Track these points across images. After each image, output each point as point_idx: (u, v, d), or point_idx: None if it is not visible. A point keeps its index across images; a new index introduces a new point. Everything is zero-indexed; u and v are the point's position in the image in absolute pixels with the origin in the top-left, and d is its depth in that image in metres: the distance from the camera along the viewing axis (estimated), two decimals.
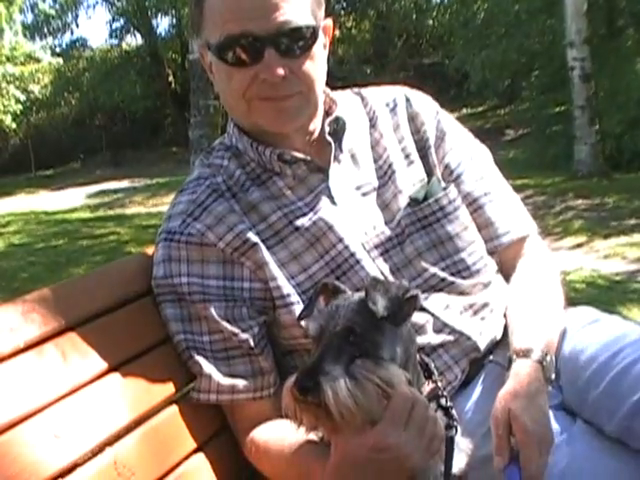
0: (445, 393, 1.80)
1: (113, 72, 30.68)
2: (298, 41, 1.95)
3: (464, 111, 22.71)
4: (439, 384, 1.81)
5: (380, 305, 1.59)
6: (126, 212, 17.42)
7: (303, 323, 1.76)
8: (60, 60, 29.47)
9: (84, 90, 31.63)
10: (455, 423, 1.76)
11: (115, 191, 21.44)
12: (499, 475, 1.80)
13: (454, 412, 1.78)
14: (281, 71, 1.93)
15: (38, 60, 28.23)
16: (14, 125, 28.55)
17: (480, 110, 24.08)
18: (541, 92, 18.61)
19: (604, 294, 6.94)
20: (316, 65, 2.01)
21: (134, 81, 30.11)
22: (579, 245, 9.36)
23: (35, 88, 29.26)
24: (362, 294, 1.66)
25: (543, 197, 12.50)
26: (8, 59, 27.08)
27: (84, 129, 30.33)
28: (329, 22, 2.08)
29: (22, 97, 27.59)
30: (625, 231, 9.77)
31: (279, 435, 1.93)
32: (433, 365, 1.92)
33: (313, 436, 1.78)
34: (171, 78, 30.81)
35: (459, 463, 1.78)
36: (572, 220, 11.01)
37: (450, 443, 1.74)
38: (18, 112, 28.21)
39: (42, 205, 20.29)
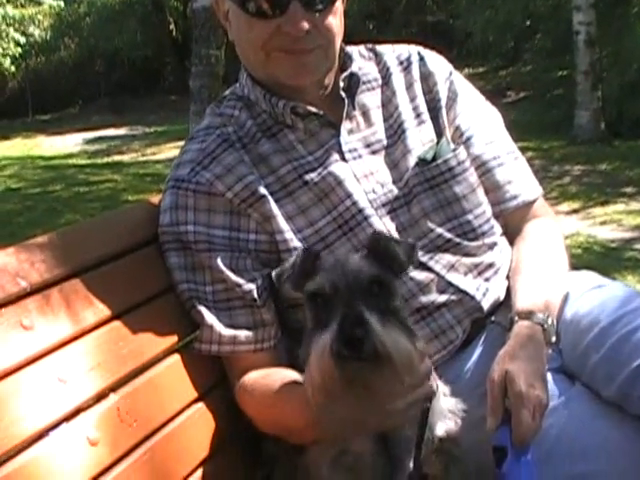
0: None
1: (114, 18, 30.36)
2: None
3: (466, 71, 22.52)
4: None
5: (402, 255, 1.60)
6: (123, 159, 17.31)
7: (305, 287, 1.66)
8: (61, 3, 29.16)
9: (84, 35, 31.33)
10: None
11: (113, 138, 21.29)
12: (490, 435, 1.83)
13: (434, 380, 1.77)
14: (305, 25, 1.92)
15: (39, 3, 27.92)
16: (13, 68, 28.33)
17: (482, 71, 23.92)
18: (544, 55, 18.49)
19: (600, 260, 6.95)
20: (337, 19, 2.01)
21: (135, 28, 29.81)
22: (576, 211, 9.33)
23: (35, 31, 28.98)
24: (357, 254, 1.66)
25: (542, 161, 12.45)
26: (8, 1, 26.81)
27: (83, 74, 30.05)
28: None
29: (22, 40, 27.34)
30: (622, 198, 9.75)
31: (265, 374, 1.95)
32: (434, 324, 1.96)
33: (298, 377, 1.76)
34: (172, 26, 30.51)
35: (445, 427, 1.79)
36: (570, 185, 10.98)
37: (425, 411, 1.73)
38: (17, 55, 27.98)
39: (39, 150, 20.20)
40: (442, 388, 1.84)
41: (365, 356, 1.47)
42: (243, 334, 2.00)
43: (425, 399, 1.72)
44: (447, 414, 1.82)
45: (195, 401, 2.01)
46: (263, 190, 2.01)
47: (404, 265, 1.63)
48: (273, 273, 1.77)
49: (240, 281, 1.99)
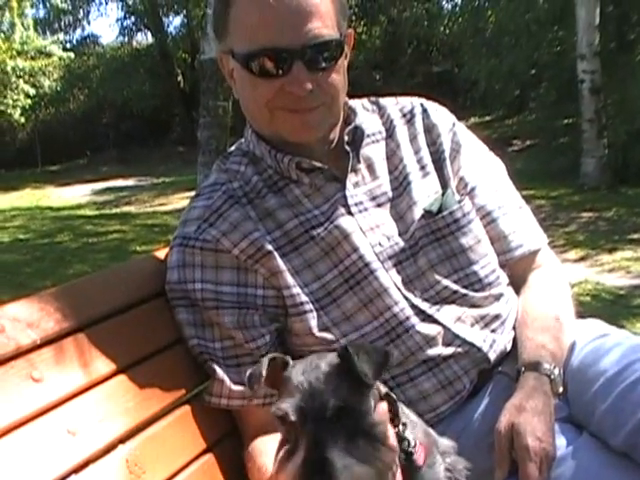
0: (407, 436, 1.70)
1: (122, 69, 30.68)
2: (325, 55, 1.96)
3: (472, 120, 22.65)
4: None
5: (370, 374, 1.53)
6: (131, 210, 17.40)
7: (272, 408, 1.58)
8: (71, 55, 29.44)
9: (93, 87, 31.65)
10: (417, 468, 1.71)
11: (121, 189, 21.42)
12: None
13: (417, 456, 1.71)
14: (309, 85, 1.94)
15: (49, 55, 28.21)
16: (22, 120, 28.55)
17: (488, 119, 24.04)
18: (549, 104, 18.59)
19: (608, 308, 6.93)
20: (340, 76, 2.03)
21: (143, 79, 30.12)
22: (583, 258, 9.33)
23: (45, 83, 29.24)
24: (326, 362, 1.58)
25: (549, 208, 12.50)
26: (19, 53, 27.07)
27: (92, 125, 30.29)
28: (351, 31, 2.09)
29: (32, 91, 27.58)
30: (630, 245, 9.75)
31: (268, 446, 1.89)
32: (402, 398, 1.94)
33: None
34: (180, 77, 30.78)
35: None
36: (577, 232, 10.99)
37: None
38: (27, 107, 28.21)
39: (47, 200, 20.30)
40: (445, 447, 1.82)
41: None
42: None
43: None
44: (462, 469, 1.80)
45: (203, 453, 2.01)
46: (269, 246, 2.02)
47: (370, 379, 1.54)
48: (246, 375, 1.72)
49: (248, 337, 2.01)
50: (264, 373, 1.58)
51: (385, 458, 1.53)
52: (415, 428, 1.76)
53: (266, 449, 1.91)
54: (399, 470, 1.63)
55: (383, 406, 1.64)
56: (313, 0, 1.93)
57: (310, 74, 1.95)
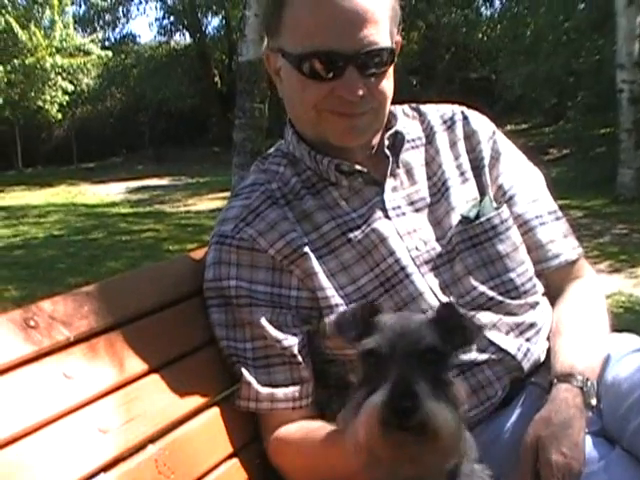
0: None
1: (160, 69, 30.90)
2: (378, 61, 1.96)
3: (508, 127, 22.61)
4: None
5: (469, 337, 1.59)
6: (165, 209, 17.50)
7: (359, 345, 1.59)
8: (109, 53, 29.68)
9: (131, 85, 31.91)
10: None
11: (155, 188, 21.56)
12: None
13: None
14: (361, 90, 1.94)
15: (87, 53, 28.46)
16: (60, 116, 28.81)
17: (524, 127, 23.98)
18: (587, 112, 18.50)
19: None
20: (389, 83, 2.03)
21: (180, 79, 30.31)
22: (617, 270, 9.26)
23: (83, 80, 29.50)
24: (422, 315, 1.64)
25: (584, 219, 12.42)
26: (58, 50, 27.35)
27: (128, 124, 30.55)
28: (400, 39, 2.09)
29: (70, 87, 27.84)
30: None
31: (301, 425, 1.96)
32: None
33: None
34: (217, 78, 30.97)
35: None
36: (611, 244, 10.91)
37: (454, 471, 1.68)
38: (64, 103, 28.47)
39: (82, 197, 20.46)
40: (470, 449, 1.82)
41: (412, 428, 1.44)
42: (281, 392, 2.00)
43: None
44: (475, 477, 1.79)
45: (232, 455, 2.01)
46: (305, 247, 2.02)
47: (467, 343, 1.61)
48: (328, 321, 1.76)
49: (280, 337, 2.00)
50: (359, 315, 1.60)
51: (463, 409, 1.55)
52: None
53: (296, 427, 1.96)
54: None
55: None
56: (370, 6, 1.92)
57: (362, 79, 1.94)
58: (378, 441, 1.47)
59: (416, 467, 1.53)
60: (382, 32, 1.95)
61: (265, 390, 2.00)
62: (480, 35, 27.34)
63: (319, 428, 1.90)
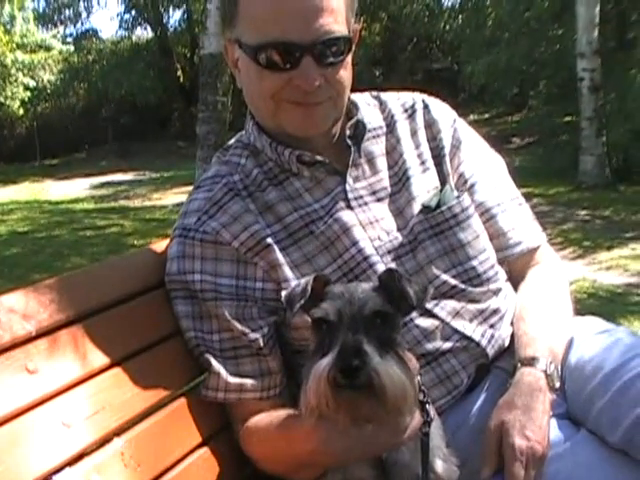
0: (423, 388, 1.79)
1: (122, 64, 30.60)
2: (335, 50, 1.96)
3: (471, 117, 22.67)
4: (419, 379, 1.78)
5: (413, 294, 1.62)
6: (130, 204, 17.39)
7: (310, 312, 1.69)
8: (71, 48, 29.43)
9: (93, 80, 31.57)
10: (429, 418, 1.77)
11: (120, 183, 21.39)
12: None
13: (430, 407, 1.79)
14: (317, 79, 1.94)
15: (48, 49, 28.23)
16: (21, 111, 28.54)
17: (487, 117, 24.06)
18: (549, 101, 18.61)
19: (605, 305, 6.93)
20: (347, 72, 2.03)
21: (143, 73, 30.02)
22: (581, 256, 9.34)
23: (45, 76, 29.24)
24: (370, 283, 1.70)
25: (547, 206, 12.51)
26: (19, 46, 27.09)
27: (91, 119, 30.25)
28: (357, 27, 2.09)
29: (32, 83, 27.58)
30: (627, 243, 9.77)
31: (268, 413, 1.96)
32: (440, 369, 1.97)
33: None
34: (180, 72, 30.77)
35: (445, 466, 1.80)
36: (575, 230, 11.00)
37: (425, 437, 1.75)
38: (26, 100, 28.21)
39: (46, 194, 20.28)
40: (437, 422, 1.85)
41: (360, 385, 1.51)
42: (249, 382, 2.00)
43: (422, 425, 1.75)
44: (446, 456, 1.82)
45: (200, 446, 2.01)
46: (269, 239, 2.02)
47: (413, 305, 1.64)
48: (283, 295, 1.79)
49: (246, 330, 2.00)
50: (309, 289, 1.66)
51: (412, 367, 1.63)
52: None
53: (263, 415, 1.98)
54: (417, 411, 1.72)
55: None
56: None
57: (319, 69, 1.94)
58: (327, 400, 1.53)
59: (372, 425, 1.62)
60: (338, 21, 1.95)
61: (234, 380, 2.00)
62: (442, 25, 27.38)
63: (283, 413, 1.91)
